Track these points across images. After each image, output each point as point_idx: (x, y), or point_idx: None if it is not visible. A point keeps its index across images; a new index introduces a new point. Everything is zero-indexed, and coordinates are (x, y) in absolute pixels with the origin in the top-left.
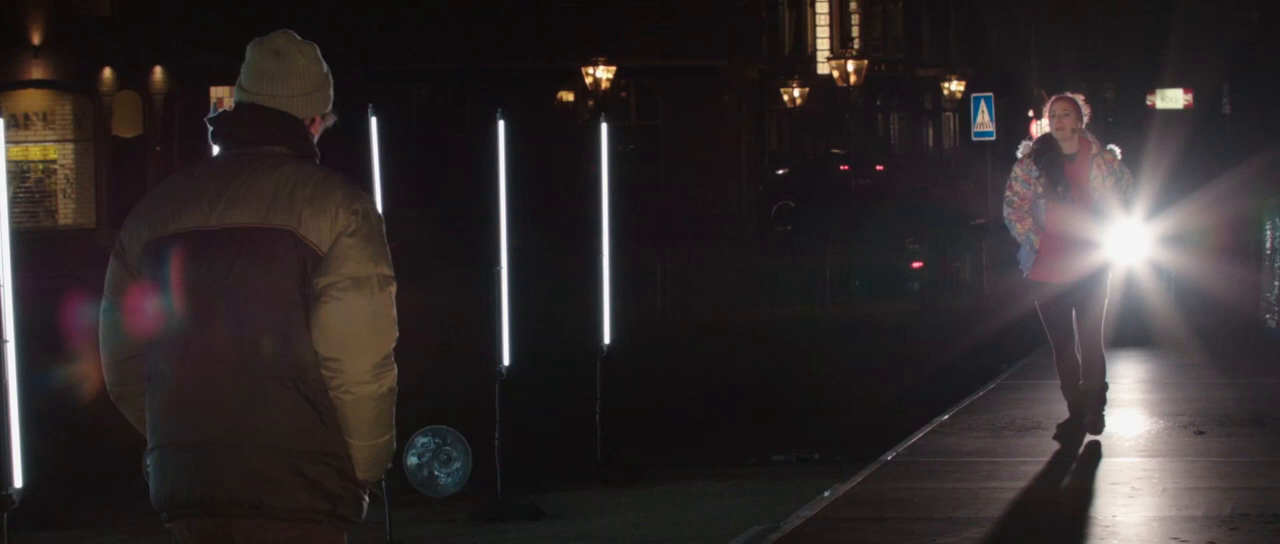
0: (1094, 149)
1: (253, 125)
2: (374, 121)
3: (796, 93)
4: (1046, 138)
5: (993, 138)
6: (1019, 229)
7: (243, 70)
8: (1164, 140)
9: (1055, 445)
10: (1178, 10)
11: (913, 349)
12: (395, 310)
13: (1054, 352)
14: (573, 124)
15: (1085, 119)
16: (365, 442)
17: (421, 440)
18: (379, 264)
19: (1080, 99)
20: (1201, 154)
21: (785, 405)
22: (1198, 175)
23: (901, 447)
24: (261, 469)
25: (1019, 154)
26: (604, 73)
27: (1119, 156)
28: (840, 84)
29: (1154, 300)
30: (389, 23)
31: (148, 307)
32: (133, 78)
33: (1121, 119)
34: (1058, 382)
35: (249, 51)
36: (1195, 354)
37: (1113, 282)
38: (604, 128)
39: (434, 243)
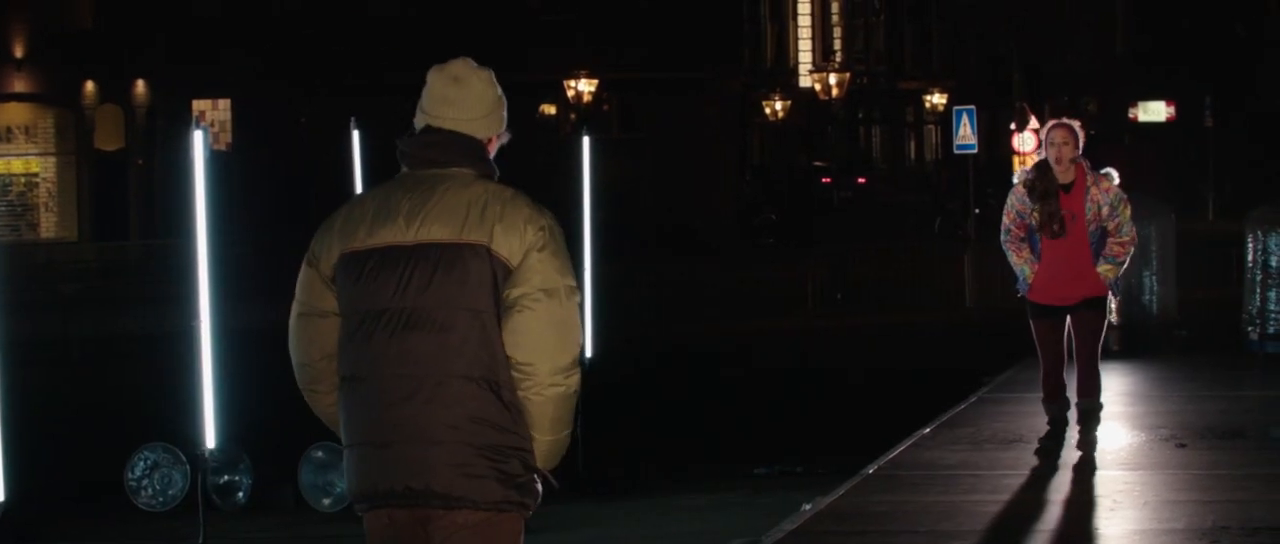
0: (1089, 178)
1: (439, 147)
2: (356, 136)
3: (779, 105)
4: (1042, 166)
5: (975, 150)
6: (1016, 259)
7: (424, 95)
8: (1146, 152)
9: (1037, 459)
10: (1160, 22)
11: (894, 361)
12: (579, 318)
13: (1042, 370)
14: (555, 137)
15: (1080, 145)
16: (548, 436)
17: None
18: (565, 276)
19: (1077, 125)
20: (1184, 166)
21: (767, 417)
22: (1180, 187)
23: (883, 460)
24: (462, 464)
25: (1016, 180)
26: (586, 86)
27: (1115, 181)
28: (822, 97)
29: (1136, 313)
30: (373, 37)
31: (343, 312)
32: (115, 91)
33: (1102, 132)
34: (1040, 395)
35: (430, 77)
36: (1177, 367)
37: (1110, 306)
38: (586, 141)
39: None
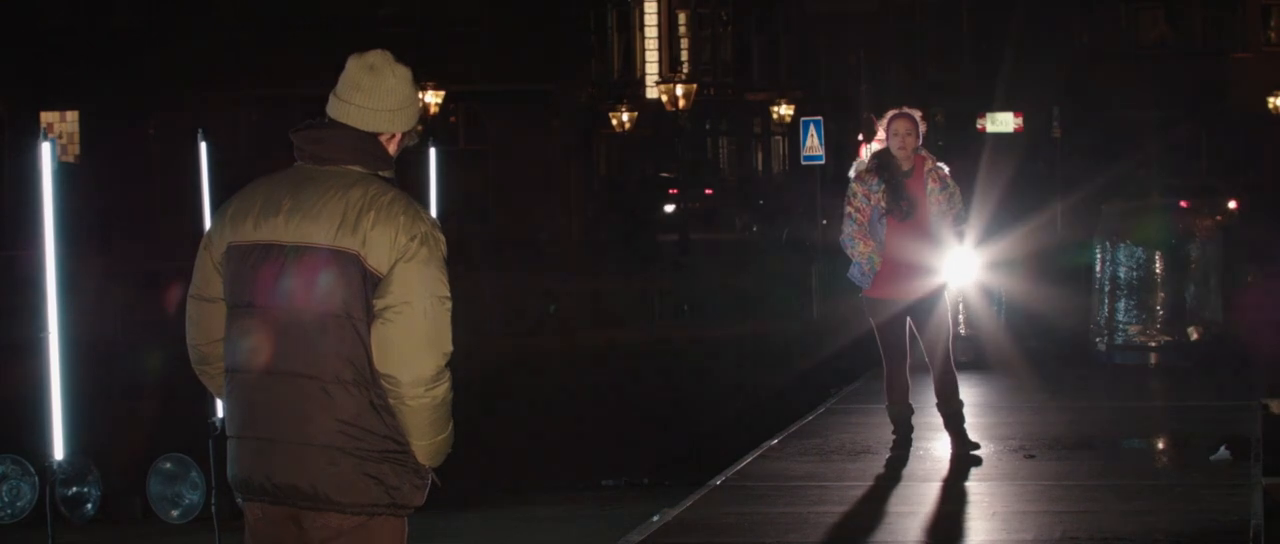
0: (929, 164)
1: (328, 144)
2: (204, 147)
3: (625, 117)
4: (883, 154)
5: (822, 161)
6: (861, 248)
7: (340, 79)
8: (995, 164)
9: (884, 470)
10: (1008, 33)
11: (743, 373)
12: (449, 329)
13: (885, 369)
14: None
15: (921, 136)
16: (424, 441)
17: None
18: (435, 286)
19: (918, 115)
20: (1032, 178)
21: (615, 428)
22: (1028, 199)
23: (731, 471)
24: (326, 466)
25: (852, 173)
26: (432, 97)
27: (948, 172)
28: (669, 108)
29: (985, 324)
30: (220, 49)
31: (227, 302)
32: None
33: (951, 142)
34: (886, 404)
35: (348, 63)
36: (1026, 378)
37: (951, 300)
38: (433, 152)
39: None
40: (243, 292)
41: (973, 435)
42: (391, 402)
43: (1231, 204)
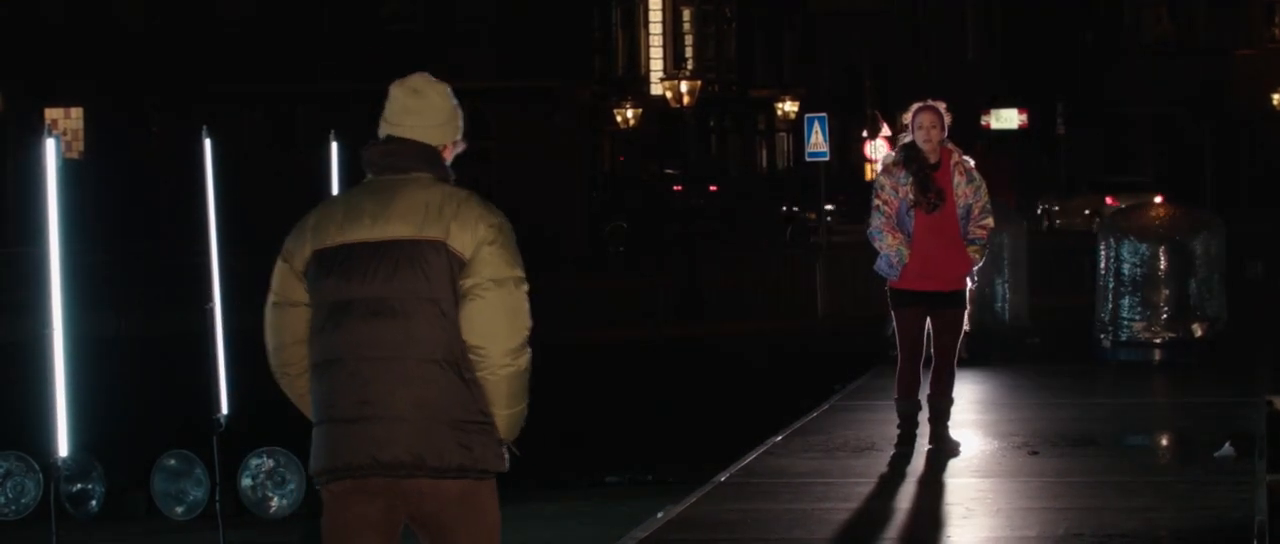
0: (955, 157)
1: (399, 155)
2: (208, 145)
3: (630, 114)
4: (910, 147)
5: (826, 158)
6: (889, 240)
7: (386, 106)
8: (1000, 159)
9: (888, 466)
10: (1013, 30)
11: (747, 370)
12: (528, 305)
13: (899, 362)
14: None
15: (946, 128)
16: (506, 411)
17: (256, 462)
18: (514, 267)
19: (943, 107)
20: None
21: (619, 425)
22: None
23: (735, 468)
24: (426, 437)
25: (879, 167)
26: None
27: (974, 166)
28: (673, 105)
29: (988, 320)
30: (224, 47)
31: (314, 304)
32: None
33: (956, 139)
34: (892, 399)
35: (392, 90)
36: (1029, 375)
37: (970, 296)
38: None
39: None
40: (334, 290)
41: (976, 432)
42: (479, 374)
43: (1157, 199)
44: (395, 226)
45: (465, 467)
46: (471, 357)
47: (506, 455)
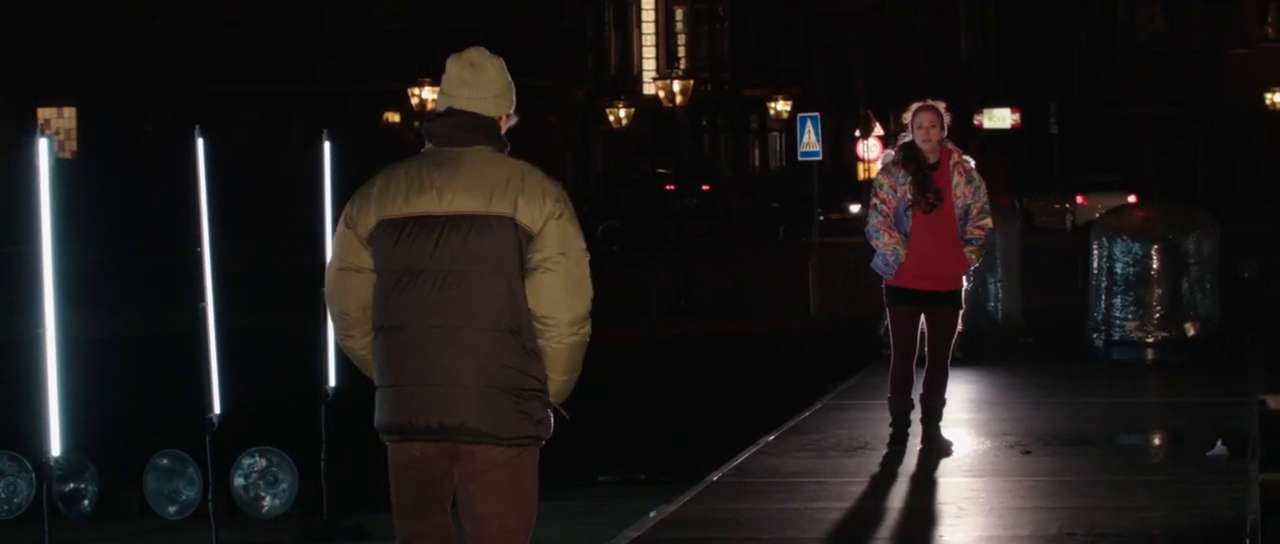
0: (954, 157)
1: (461, 128)
2: (201, 144)
3: (623, 113)
4: (909, 146)
5: (819, 158)
6: (887, 240)
7: (444, 80)
8: (993, 158)
9: (881, 465)
10: (1007, 29)
11: (740, 369)
12: (589, 277)
13: (892, 361)
14: (398, 145)
15: (945, 128)
16: (563, 377)
17: (248, 461)
18: (578, 240)
19: (942, 107)
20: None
21: (611, 424)
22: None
23: (728, 467)
24: (489, 403)
25: (879, 165)
26: (429, 94)
27: (973, 165)
28: (666, 104)
29: (981, 319)
30: (218, 46)
31: (380, 270)
32: None
33: (951, 139)
34: (885, 398)
35: (449, 64)
36: (1022, 374)
37: (965, 296)
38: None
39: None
40: (401, 258)
41: (969, 431)
42: (543, 342)
43: (1131, 198)
44: (463, 200)
45: (523, 434)
46: (538, 326)
47: (552, 419)
